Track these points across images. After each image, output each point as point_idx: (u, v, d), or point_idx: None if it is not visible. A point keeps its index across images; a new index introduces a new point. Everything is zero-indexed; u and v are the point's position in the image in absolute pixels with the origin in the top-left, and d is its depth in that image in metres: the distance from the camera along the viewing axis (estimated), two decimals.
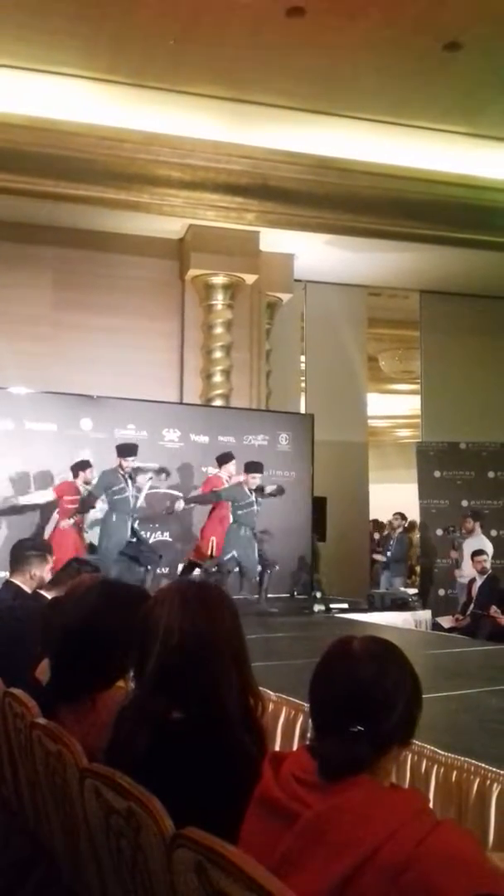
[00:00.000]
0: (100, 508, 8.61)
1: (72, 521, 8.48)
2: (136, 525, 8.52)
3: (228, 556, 8.64)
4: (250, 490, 8.73)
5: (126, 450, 8.50)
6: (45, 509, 8.64)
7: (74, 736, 1.96)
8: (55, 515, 8.55)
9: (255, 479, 8.76)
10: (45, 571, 4.44)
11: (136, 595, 2.34)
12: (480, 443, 11.66)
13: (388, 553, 11.42)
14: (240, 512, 8.72)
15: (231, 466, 9.00)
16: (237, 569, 8.66)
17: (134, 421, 9.02)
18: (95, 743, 1.92)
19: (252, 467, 8.86)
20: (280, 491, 8.95)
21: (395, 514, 11.72)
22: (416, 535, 12.49)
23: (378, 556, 11.80)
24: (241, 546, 8.67)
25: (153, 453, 9.15)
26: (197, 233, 10.20)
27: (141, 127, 8.96)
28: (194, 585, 1.94)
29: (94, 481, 8.46)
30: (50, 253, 10.09)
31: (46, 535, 8.30)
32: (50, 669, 2.42)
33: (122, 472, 8.43)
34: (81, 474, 8.48)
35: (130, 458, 8.46)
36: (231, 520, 8.79)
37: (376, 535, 13.00)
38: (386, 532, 12.19)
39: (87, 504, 8.54)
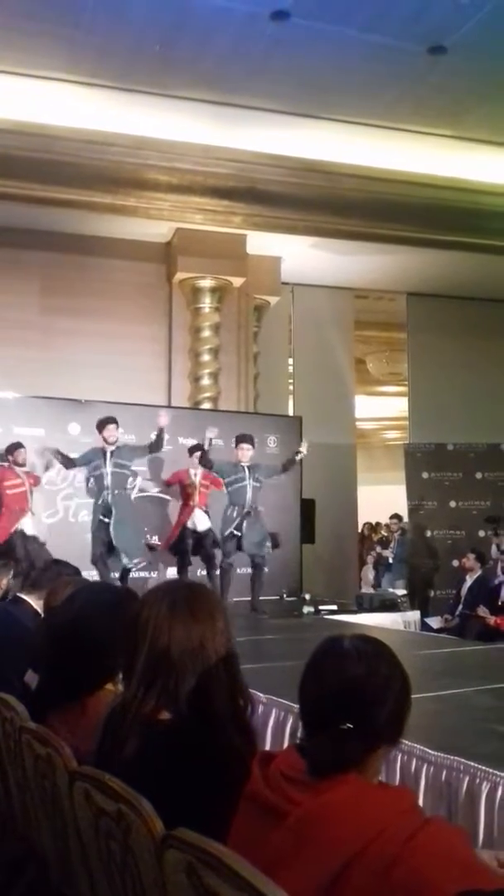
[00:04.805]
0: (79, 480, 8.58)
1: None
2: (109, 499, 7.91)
3: (206, 528, 8.24)
4: (241, 465, 8.17)
5: (103, 422, 8.08)
6: None
7: (64, 739, 1.96)
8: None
9: (246, 452, 8.19)
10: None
11: (124, 597, 2.33)
12: (468, 444, 11.70)
13: (391, 554, 11.38)
14: (230, 489, 8.19)
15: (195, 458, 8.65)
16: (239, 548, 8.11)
17: (122, 425, 8.99)
18: (85, 746, 1.92)
19: (242, 438, 8.30)
20: (291, 463, 8.41)
21: (391, 516, 11.67)
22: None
23: (386, 553, 11.74)
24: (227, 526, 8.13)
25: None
26: (184, 236, 10.21)
27: (128, 131, 8.97)
28: (183, 586, 1.93)
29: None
30: (37, 257, 10.08)
31: None
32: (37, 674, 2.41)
33: (104, 447, 8.06)
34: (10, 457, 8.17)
35: (111, 427, 8.05)
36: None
37: (375, 536, 12.98)
38: (385, 534, 12.16)
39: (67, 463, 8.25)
